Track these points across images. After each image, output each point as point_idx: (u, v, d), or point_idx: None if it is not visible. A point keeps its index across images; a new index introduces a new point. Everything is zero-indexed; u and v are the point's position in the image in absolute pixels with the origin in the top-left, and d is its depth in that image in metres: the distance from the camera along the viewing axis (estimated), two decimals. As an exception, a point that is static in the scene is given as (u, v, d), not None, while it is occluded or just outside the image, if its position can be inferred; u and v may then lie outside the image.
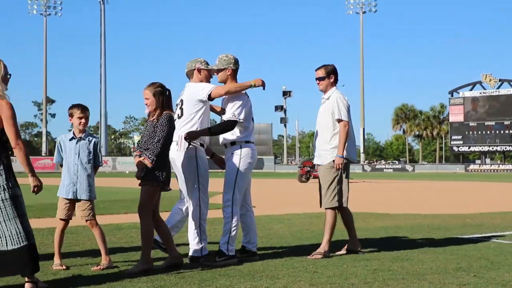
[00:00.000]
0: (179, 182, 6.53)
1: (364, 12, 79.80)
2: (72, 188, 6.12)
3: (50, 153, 69.53)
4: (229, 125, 6.42)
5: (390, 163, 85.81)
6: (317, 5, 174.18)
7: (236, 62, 6.57)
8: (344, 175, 6.87)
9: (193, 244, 6.41)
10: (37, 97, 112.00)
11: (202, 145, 6.50)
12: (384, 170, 70.29)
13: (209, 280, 5.39)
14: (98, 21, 72.44)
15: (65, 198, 6.15)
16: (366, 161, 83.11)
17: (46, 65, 76.25)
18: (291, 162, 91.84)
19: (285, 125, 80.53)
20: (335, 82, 7.03)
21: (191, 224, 6.43)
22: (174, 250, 6.04)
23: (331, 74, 6.98)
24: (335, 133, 6.83)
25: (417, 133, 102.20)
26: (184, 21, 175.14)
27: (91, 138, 6.30)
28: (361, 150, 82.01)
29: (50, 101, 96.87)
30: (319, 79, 6.99)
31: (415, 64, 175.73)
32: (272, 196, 18.95)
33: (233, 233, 6.34)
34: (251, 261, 6.40)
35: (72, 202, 6.17)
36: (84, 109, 6.31)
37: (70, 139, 6.25)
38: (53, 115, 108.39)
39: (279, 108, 78.03)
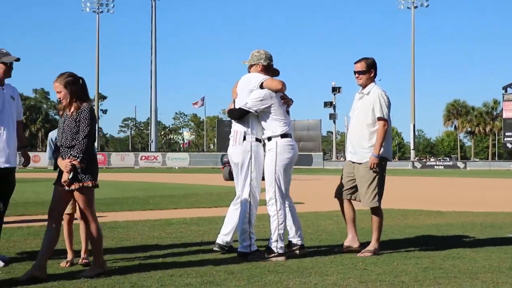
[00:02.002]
0: (234, 177, 6.58)
1: (416, 7, 78.65)
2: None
3: (102, 148, 70.97)
4: (237, 112, 6.37)
5: (441, 160, 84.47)
6: (368, 0, 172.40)
7: (267, 58, 6.56)
8: (383, 174, 6.76)
9: (241, 240, 6.42)
10: (90, 93, 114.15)
11: (258, 140, 6.50)
12: (435, 167, 69.20)
13: (258, 276, 5.39)
14: (149, 18, 73.40)
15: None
16: (416, 158, 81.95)
17: (98, 61, 77.65)
18: (340, 158, 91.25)
19: (334, 121, 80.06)
20: (374, 77, 6.79)
21: (240, 220, 6.45)
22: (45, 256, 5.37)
23: (371, 68, 6.73)
24: (374, 131, 6.63)
25: (469, 129, 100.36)
26: (236, 17, 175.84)
27: None
28: (411, 147, 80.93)
29: (102, 97, 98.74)
30: (359, 72, 6.72)
31: (467, 59, 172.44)
32: (320, 193, 18.86)
33: (281, 231, 6.34)
34: (301, 254, 6.39)
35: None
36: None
37: None
38: (104, 111, 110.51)
39: (328, 104, 77.67)
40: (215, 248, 6.67)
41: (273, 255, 6.26)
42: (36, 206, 12.22)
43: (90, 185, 5.37)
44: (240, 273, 5.50)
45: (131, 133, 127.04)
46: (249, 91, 6.42)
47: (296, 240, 6.58)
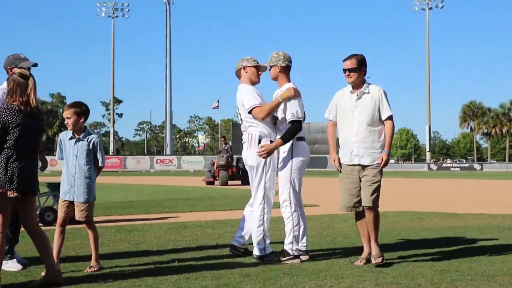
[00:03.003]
0: (249, 180, 6.62)
1: (430, 8, 78.37)
2: (70, 190, 5.85)
3: (118, 152, 71.25)
4: (296, 127, 6.41)
5: (457, 162, 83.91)
6: (382, 1, 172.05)
7: (286, 59, 6.57)
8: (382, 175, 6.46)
9: (256, 242, 6.44)
10: (105, 97, 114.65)
11: (272, 142, 6.51)
12: (451, 169, 68.77)
13: (273, 278, 5.40)
14: (163, 22, 73.74)
15: (64, 200, 5.90)
16: (432, 160, 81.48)
17: (114, 66, 78.11)
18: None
19: (349, 124, 79.84)
20: (365, 74, 6.43)
21: (254, 223, 6.46)
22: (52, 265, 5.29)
23: (362, 65, 6.36)
24: (379, 130, 6.32)
25: (485, 131, 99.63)
26: (251, 19, 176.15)
27: (90, 138, 5.93)
28: (427, 149, 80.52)
29: (117, 101, 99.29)
30: (350, 70, 6.32)
31: (483, 60, 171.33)
32: (335, 195, 18.80)
33: (295, 233, 6.35)
34: (303, 260, 6.38)
35: (71, 203, 5.89)
36: (70, 107, 5.86)
37: (70, 138, 5.92)
38: (120, 115, 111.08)
39: (343, 106, 77.49)
40: (231, 251, 6.69)
41: (288, 257, 6.27)
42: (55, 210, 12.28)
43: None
44: (256, 276, 5.52)
45: (146, 136, 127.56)
46: (241, 105, 6.54)
47: (299, 245, 6.55)
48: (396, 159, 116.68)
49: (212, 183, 26.96)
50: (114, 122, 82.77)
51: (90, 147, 5.90)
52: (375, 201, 6.27)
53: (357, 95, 6.36)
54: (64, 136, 5.95)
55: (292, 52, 6.78)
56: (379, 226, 6.41)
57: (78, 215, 5.89)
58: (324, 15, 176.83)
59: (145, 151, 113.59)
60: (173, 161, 61.40)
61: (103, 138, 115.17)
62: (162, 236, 8.43)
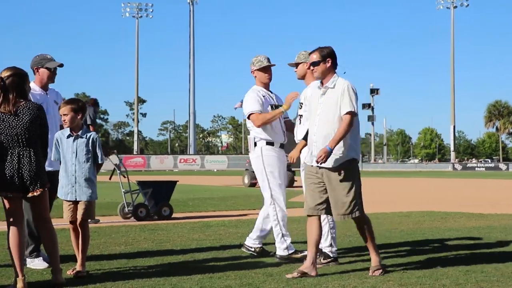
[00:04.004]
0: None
1: (455, 7, 77.65)
2: (71, 190, 5.69)
3: (141, 151, 71.71)
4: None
5: (482, 162, 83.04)
6: (407, 0, 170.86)
7: None
8: (359, 179, 5.86)
9: (278, 242, 6.44)
10: (129, 97, 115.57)
11: (271, 143, 6.58)
12: (476, 168, 68.08)
13: (297, 278, 5.40)
14: (187, 22, 73.98)
15: (66, 200, 5.74)
16: (457, 160, 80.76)
17: (138, 65, 78.60)
18: (378, 161, 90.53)
19: (372, 123, 79.57)
20: (333, 68, 5.89)
21: (272, 224, 6.50)
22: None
23: (327, 58, 5.82)
24: (352, 130, 5.75)
25: (511, 130, 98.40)
26: (273, 19, 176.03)
27: (89, 134, 5.80)
28: (452, 148, 79.84)
29: (141, 101, 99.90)
30: (314, 64, 5.84)
31: (509, 59, 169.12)
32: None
33: (333, 235, 6.33)
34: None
35: (75, 203, 5.74)
36: (67, 104, 5.73)
37: (67, 137, 5.74)
38: (144, 115, 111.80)
39: (366, 106, 77.17)
40: (243, 249, 6.75)
41: (328, 260, 6.23)
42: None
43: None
44: (279, 276, 5.52)
45: (170, 136, 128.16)
46: None
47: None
48: (420, 158, 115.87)
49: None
50: (138, 121, 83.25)
51: (90, 144, 5.75)
52: (354, 212, 5.71)
53: (323, 91, 5.86)
54: (61, 135, 5.78)
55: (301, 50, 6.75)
56: (373, 232, 5.84)
57: (80, 214, 5.73)
58: (345, 15, 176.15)
59: (169, 151, 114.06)
60: (197, 161, 61.59)
61: (127, 138, 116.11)
62: (186, 235, 8.47)
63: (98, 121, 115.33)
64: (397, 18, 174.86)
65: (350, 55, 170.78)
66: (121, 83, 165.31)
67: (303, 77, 6.61)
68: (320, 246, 6.16)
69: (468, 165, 72.34)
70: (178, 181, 11.66)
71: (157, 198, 11.15)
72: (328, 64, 5.83)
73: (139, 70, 78.85)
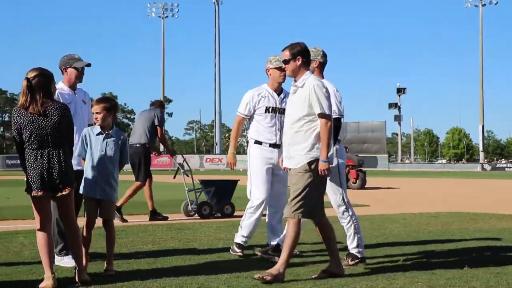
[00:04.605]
0: None
1: (484, 5, 76.66)
2: (96, 187, 5.67)
3: (168, 151, 71.51)
4: (338, 125, 6.24)
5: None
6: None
7: (324, 55, 6.49)
8: (321, 182, 5.54)
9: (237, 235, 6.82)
10: (156, 96, 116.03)
11: (258, 142, 6.77)
12: (506, 169, 67.12)
13: (324, 278, 5.36)
14: (212, 21, 74.15)
15: (89, 197, 5.70)
16: (486, 160, 79.81)
17: (164, 65, 79.02)
18: (405, 161, 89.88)
19: (399, 123, 78.93)
20: (305, 65, 5.66)
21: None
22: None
23: (297, 56, 5.59)
24: (309, 129, 5.50)
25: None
26: (299, 18, 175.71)
27: (119, 134, 5.82)
28: (480, 148, 78.94)
29: (167, 100, 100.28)
30: (285, 62, 5.66)
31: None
32: (386, 195, 18.63)
33: (359, 235, 6.26)
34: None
35: (96, 201, 5.72)
36: (99, 102, 5.74)
37: (97, 134, 5.72)
38: (170, 114, 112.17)
39: (393, 105, 76.66)
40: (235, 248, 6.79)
41: (356, 260, 6.16)
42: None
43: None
44: (306, 276, 5.50)
45: (196, 135, 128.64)
46: None
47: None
48: (448, 159, 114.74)
49: None
50: (164, 121, 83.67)
51: (119, 143, 5.77)
52: (294, 212, 5.42)
53: (293, 90, 5.68)
54: (90, 132, 5.74)
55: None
56: (295, 243, 5.44)
57: (107, 214, 5.76)
58: (372, 14, 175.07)
59: (195, 150, 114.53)
60: (223, 160, 61.70)
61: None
62: (213, 235, 8.48)
63: (125, 120, 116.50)
64: (424, 16, 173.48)
65: (377, 54, 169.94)
66: (147, 82, 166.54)
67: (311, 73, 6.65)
68: (348, 247, 6.19)
69: (497, 165, 71.36)
70: (239, 180, 11.75)
71: (220, 196, 11.38)
72: (299, 62, 5.61)
73: (165, 69, 79.27)
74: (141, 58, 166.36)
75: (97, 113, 5.72)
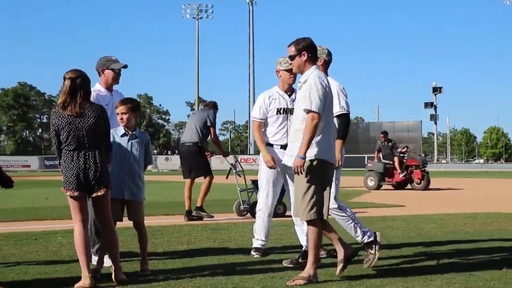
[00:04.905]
0: None
1: (519, 1, 75.28)
2: (122, 188, 5.71)
3: (202, 151, 71.74)
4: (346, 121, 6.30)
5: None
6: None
7: (329, 53, 6.45)
8: (320, 181, 5.41)
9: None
10: (190, 97, 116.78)
11: (269, 144, 6.78)
12: None
13: (359, 279, 5.34)
14: (246, 22, 74.23)
15: (114, 198, 5.60)
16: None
17: (198, 66, 79.40)
18: (441, 160, 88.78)
19: (435, 122, 77.95)
20: (311, 61, 5.58)
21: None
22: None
23: (303, 51, 5.53)
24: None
25: None
26: (333, 17, 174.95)
27: (143, 135, 5.90)
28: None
29: (202, 101, 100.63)
30: (290, 58, 5.64)
31: None
32: (422, 195, 18.42)
33: (359, 223, 6.12)
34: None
35: (121, 202, 5.76)
36: (124, 103, 5.79)
37: (122, 135, 5.77)
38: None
39: (429, 105, 75.72)
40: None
41: (374, 246, 5.93)
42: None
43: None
44: (342, 276, 5.47)
45: (230, 136, 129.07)
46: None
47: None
48: (485, 158, 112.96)
49: (402, 185, 21.53)
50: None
51: (144, 144, 5.84)
52: (308, 214, 5.36)
53: (299, 86, 5.62)
54: (114, 133, 5.73)
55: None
56: (319, 242, 5.43)
57: (136, 215, 5.83)
58: (407, 14, 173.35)
59: (229, 150, 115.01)
60: (257, 160, 61.69)
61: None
62: (247, 235, 8.47)
63: (160, 121, 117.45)
64: (462, 13, 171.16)
65: (413, 52, 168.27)
66: (182, 83, 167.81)
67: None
68: (359, 242, 6.09)
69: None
70: None
71: None
72: (304, 58, 5.54)
73: (200, 70, 79.63)
74: (175, 59, 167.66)
75: (122, 113, 5.78)
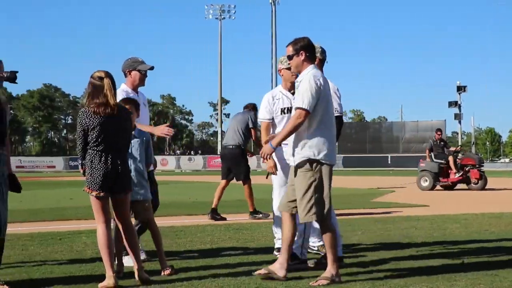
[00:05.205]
0: None
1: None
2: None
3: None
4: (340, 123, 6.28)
5: None
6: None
7: (323, 52, 6.43)
8: (320, 181, 5.40)
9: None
10: (213, 98, 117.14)
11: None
12: None
13: (383, 279, 5.31)
14: (269, 22, 74.22)
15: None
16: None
17: (221, 66, 79.59)
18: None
19: (459, 122, 77.11)
20: (309, 60, 5.59)
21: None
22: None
23: (300, 51, 5.57)
24: (312, 128, 5.40)
25: None
26: (355, 17, 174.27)
27: (142, 134, 5.90)
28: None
29: (225, 101, 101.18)
30: (289, 57, 5.68)
31: None
32: (445, 195, 18.27)
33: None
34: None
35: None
36: (125, 103, 5.72)
37: None
38: (227, 115, 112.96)
39: (453, 104, 74.99)
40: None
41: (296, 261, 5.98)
42: (167, 207, 12.67)
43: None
44: (364, 276, 5.46)
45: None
46: None
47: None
48: (511, 158, 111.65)
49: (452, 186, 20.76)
50: (221, 122, 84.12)
51: (144, 143, 5.86)
52: (307, 215, 5.34)
53: (296, 85, 5.62)
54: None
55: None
56: (334, 242, 5.38)
57: (143, 214, 5.87)
58: (431, 13, 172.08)
59: (252, 150, 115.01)
60: (280, 161, 61.72)
61: (211, 138, 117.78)
62: (270, 235, 8.44)
63: (183, 121, 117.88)
64: (485, 13, 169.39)
65: (436, 51, 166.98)
66: (205, 84, 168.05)
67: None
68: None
69: None
70: None
71: None
72: (302, 57, 5.58)
73: (222, 71, 79.82)
74: (198, 59, 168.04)
75: None
